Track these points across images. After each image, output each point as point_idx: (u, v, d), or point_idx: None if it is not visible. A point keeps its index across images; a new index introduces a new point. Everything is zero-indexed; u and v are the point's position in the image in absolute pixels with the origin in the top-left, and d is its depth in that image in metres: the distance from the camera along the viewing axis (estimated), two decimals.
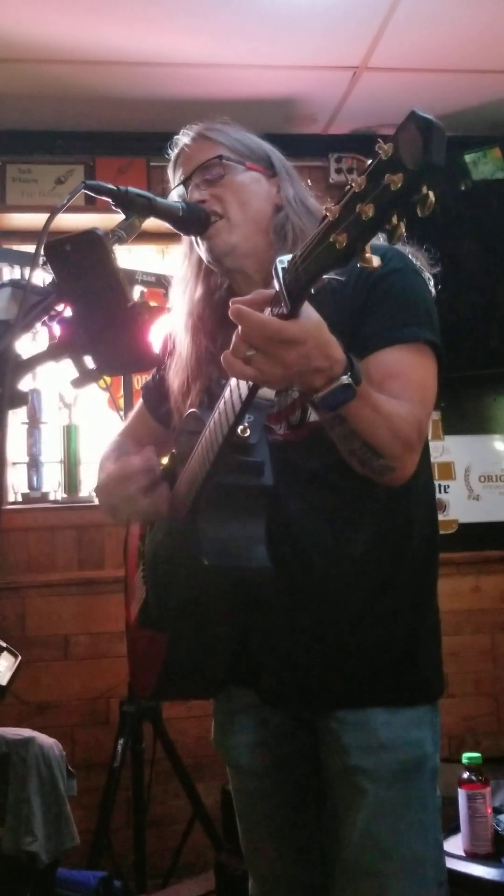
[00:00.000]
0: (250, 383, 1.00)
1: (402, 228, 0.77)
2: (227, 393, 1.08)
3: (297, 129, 2.99)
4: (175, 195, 1.36)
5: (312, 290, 0.89)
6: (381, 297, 1.21)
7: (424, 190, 0.73)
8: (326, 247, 0.82)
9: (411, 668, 1.28)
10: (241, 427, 1.08)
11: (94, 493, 1.42)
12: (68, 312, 1.07)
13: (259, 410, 1.12)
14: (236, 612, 1.24)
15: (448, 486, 3.06)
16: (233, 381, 1.06)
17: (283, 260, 0.90)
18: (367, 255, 0.81)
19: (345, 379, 0.98)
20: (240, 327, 0.94)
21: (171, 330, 1.46)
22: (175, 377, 1.40)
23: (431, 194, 0.74)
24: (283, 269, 0.90)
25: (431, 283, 1.28)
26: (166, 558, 1.32)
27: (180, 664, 1.28)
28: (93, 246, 1.02)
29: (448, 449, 3.07)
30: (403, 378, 1.15)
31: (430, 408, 1.19)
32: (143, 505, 1.26)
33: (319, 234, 0.84)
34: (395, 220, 0.77)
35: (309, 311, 0.96)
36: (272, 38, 2.45)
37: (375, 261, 0.82)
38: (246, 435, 1.09)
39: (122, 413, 2.61)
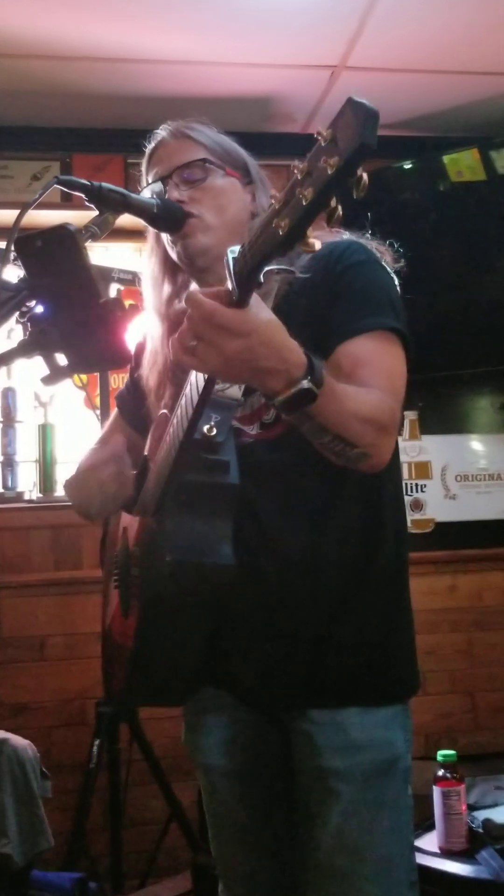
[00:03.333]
0: (206, 377, 1.00)
1: (340, 211, 0.79)
2: (186, 389, 1.08)
3: (275, 128, 2.99)
4: (149, 191, 1.35)
5: (261, 279, 0.89)
6: (344, 289, 1.22)
7: (359, 172, 0.75)
8: (270, 232, 0.83)
9: (385, 668, 1.28)
10: (207, 426, 1.08)
11: (64, 489, 1.43)
12: (40, 309, 1.06)
13: (226, 410, 1.13)
14: (207, 612, 1.23)
15: (425, 486, 3.07)
16: (192, 376, 1.07)
17: (235, 249, 0.91)
18: (310, 239, 0.82)
19: (304, 384, 0.98)
20: (188, 310, 0.95)
21: (143, 328, 1.46)
22: (149, 377, 1.40)
23: (365, 176, 0.76)
24: (233, 257, 0.91)
25: (395, 276, 1.29)
26: (136, 559, 1.31)
27: (149, 668, 1.27)
28: (64, 241, 1.01)
29: (425, 448, 3.08)
30: (372, 366, 1.17)
31: (401, 393, 1.20)
32: (112, 490, 1.29)
33: (264, 221, 0.85)
34: (332, 202, 0.78)
35: (261, 309, 0.97)
36: (250, 36, 2.45)
37: (317, 245, 0.83)
38: (212, 434, 1.09)
39: (98, 412, 2.59)
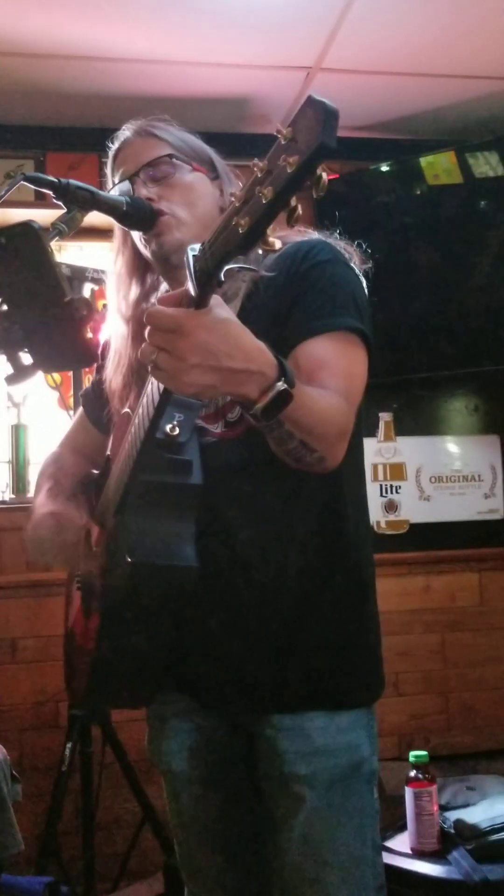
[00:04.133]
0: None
1: (300, 210, 0.79)
2: (148, 388, 1.07)
3: (251, 129, 2.98)
4: (117, 191, 1.34)
5: (222, 277, 0.88)
6: (308, 289, 1.21)
7: (318, 171, 0.75)
8: (230, 231, 0.82)
9: (348, 672, 1.27)
10: (169, 426, 1.07)
11: (27, 543, 1.42)
12: (3, 307, 1.05)
13: (190, 410, 1.12)
14: (169, 614, 1.22)
15: (399, 487, 3.08)
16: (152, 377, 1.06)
17: (195, 247, 0.90)
18: (270, 238, 0.81)
19: (280, 385, 0.97)
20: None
21: (108, 331, 1.45)
22: (114, 379, 1.39)
23: (324, 176, 0.76)
24: (193, 255, 0.90)
25: (362, 276, 1.28)
26: (98, 560, 1.30)
27: (111, 669, 1.25)
28: (28, 239, 1.00)
29: (400, 450, 3.09)
30: (330, 367, 1.15)
31: (358, 397, 1.19)
32: (69, 557, 1.33)
33: (224, 219, 0.84)
34: (293, 201, 0.78)
35: (220, 308, 0.96)
36: (226, 36, 2.44)
37: (277, 244, 0.82)
38: (175, 433, 1.08)
39: (71, 413, 2.57)
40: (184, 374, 0.93)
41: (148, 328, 0.94)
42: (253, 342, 0.97)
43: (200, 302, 0.92)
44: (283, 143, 0.76)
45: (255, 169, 0.79)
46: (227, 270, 0.87)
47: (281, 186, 0.76)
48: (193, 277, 0.90)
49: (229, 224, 0.82)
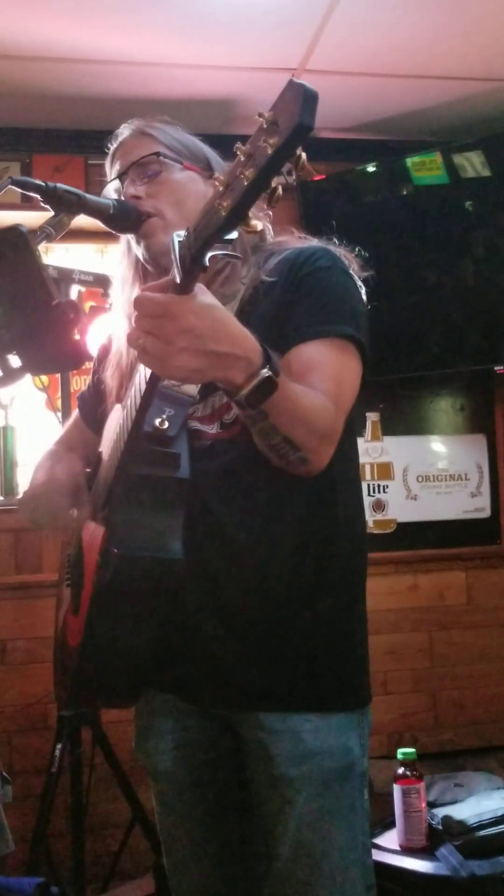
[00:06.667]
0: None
1: (280, 191, 0.80)
2: (136, 378, 1.08)
3: (237, 131, 2.99)
4: (111, 189, 1.35)
5: (206, 262, 0.88)
6: (306, 294, 1.22)
7: (298, 152, 0.77)
8: (212, 213, 0.83)
9: (340, 673, 1.26)
10: (159, 419, 1.08)
11: (19, 505, 1.40)
12: None
13: (180, 405, 1.13)
14: (157, 609, 1.21)
15: (387, 486, 3.10)
16: (141, 367, 1.07)
17: (181, 233, 0.91)
18: (252, 221, 0.82)
19: (265, 372, 0.98)
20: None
21: (109, 330, 1.46)
22: (113, 379, 1.39)
23: (304, 156, 0.77)
24: (178, 241, 0.91)
25: (361, 284, 1.28)
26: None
27: (97, 664, 1.24)
28: (15, 242, 1.01)
29: (387, 449, 3.11)
30: (320, 371, 1.16)
31: (347, 402, 1.19)
32: (64, 522, 1.29)
33: (208, 203, 0.85)
34: (273, 183, 0.79)
35: (205, 295, 0.96)
36: (211, 37, 2.45)
37: (259, 226, 0.83)
38: (164, 427, 1.09)
39: (59, 414, 2.57)
40: (171, 358, 0.94)
41: (135, 314, 0.94)
42: (238, 328, 0.98)
43: (185, 287, 0.92)
44: (264, 126, 0.77)
45: (239, 153, 0.80)
46: (212, 257, 0.88)
47: (261, 167, 0.77)
48: (178, 262, 0.90)
49: (212, 207, 0.83)
